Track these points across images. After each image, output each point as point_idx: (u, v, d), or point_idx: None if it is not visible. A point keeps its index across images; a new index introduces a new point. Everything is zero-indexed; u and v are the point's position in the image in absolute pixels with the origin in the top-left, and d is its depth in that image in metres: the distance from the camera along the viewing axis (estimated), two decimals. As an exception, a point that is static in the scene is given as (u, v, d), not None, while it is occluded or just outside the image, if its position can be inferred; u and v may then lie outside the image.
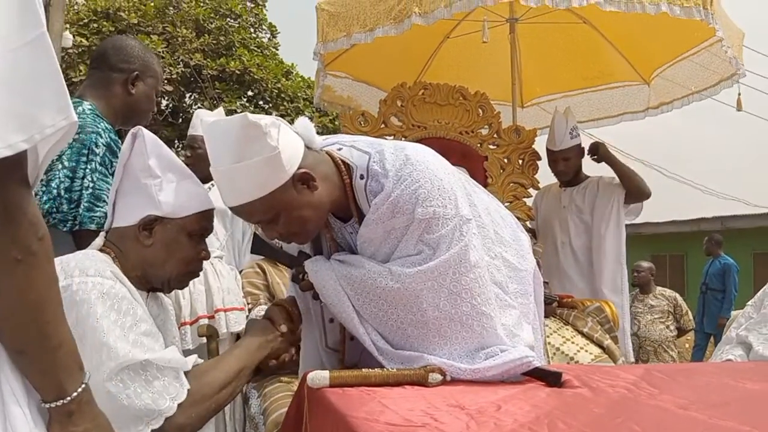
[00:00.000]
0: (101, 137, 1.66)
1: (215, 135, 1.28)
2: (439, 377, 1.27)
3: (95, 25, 9.86)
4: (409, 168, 1.35)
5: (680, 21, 2.75)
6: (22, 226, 0.74)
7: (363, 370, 1.28)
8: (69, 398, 0.83)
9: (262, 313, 2.29)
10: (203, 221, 1.35)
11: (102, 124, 1.71)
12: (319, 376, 1.23)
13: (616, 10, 2.46)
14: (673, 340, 5.17)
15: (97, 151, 1.63)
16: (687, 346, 7.38)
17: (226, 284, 2.27)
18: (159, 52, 9.65)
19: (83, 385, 0.85)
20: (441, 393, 1.18)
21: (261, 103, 10.74)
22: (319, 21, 2.84)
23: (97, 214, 1.64)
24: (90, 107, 1.73)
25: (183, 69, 10.00)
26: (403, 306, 1.34)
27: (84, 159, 1.64)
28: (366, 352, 1.42)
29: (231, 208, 1.31)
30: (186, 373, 1.19)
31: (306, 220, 1.35)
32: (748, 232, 12.29)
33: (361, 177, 1.38)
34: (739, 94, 3.24)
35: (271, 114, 10.58)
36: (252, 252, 1.57)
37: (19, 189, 0.75)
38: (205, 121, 1.30)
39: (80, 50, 9.66)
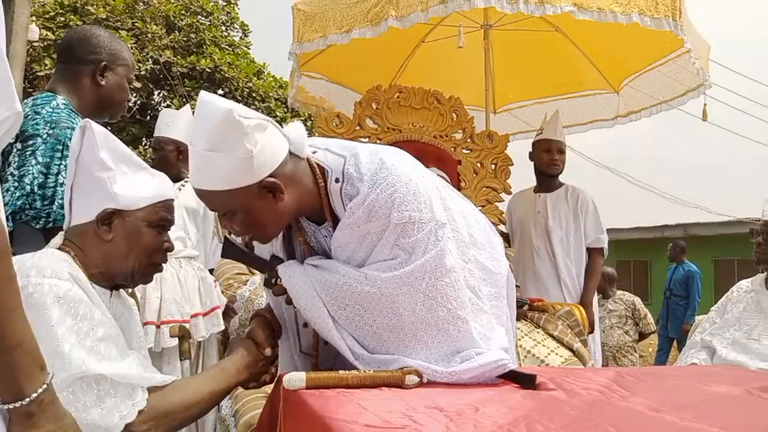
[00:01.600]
0: None
1: (201, 114, 1.26)
2: (416, 379, 1.27)
3: (62, 19, 9.65)
4: (384, 172, 1.35)
5: (650, 32, 2.82)
6: None
7: (340, 371, 1.27)
8: (28, 399, 0.80)
9: (246, 294, 2.27)
10: (162, 211, 1.33)
11: (77, 119, 1.67)
12: (296, 378, 1.22)
13: (589, 19, 2.51)
14: (633, 345, 5.19)
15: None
16: (650, 350, 7.53)
17: (185, 292, 2.20)
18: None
19: (44, 386, 0.83)
20: (418, 395, 1.18)
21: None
22: (295, 21, 2.82)
23: None
24: (64, 102, 1.69)
25: (152, 66, 9.85)
26: (379, 311, 1.33)
27: (58, 155, 1.60)
28: (340, 357, 1.41)
29: (194, 189, 1.30)
30: (152, 388, 1.17)
31: (263, 225, 1.34)
32: (709, 239, 12.63)
33: (336, 180, 1.37)
34: (705, 105, 3.33)
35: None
36: (222, 256, 1.54)
37: None
38: (201, 95, 1.28)
39: (46, 44, 9.43)
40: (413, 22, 2.48)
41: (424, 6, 2.43)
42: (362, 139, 3.11)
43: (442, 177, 2.89)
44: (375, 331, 1.34)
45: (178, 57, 10.11)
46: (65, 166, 1.58)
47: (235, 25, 11.82)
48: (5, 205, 1.51)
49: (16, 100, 0.74)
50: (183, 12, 10.63)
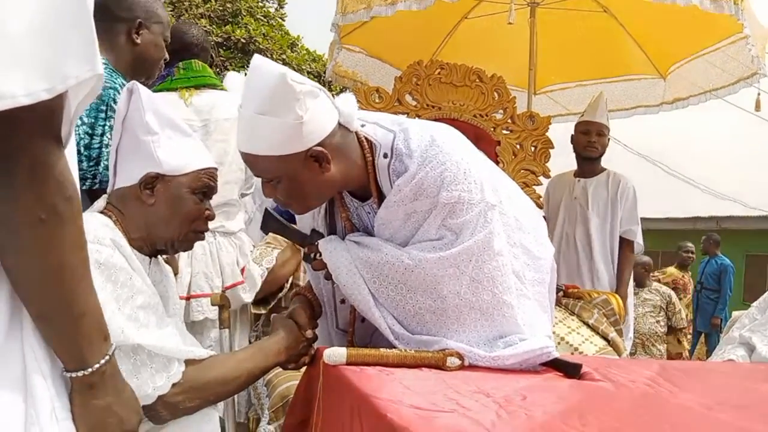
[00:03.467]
0: (119, 93, 1.60)
1: (253, 78, 1.23)
2: (457, 361, 1.25)
3: (100, -17, 9.68)
4: (435, 149, 1.32)
5: (703, 16, 2.70)
6: (48, 184, 0.70)
7: (381, 349, 1.25)
8: (91, 369, 0.79)
9: (273, 261, 2.26)
10: (205, 178, 1.31)
11: (119, 79, 1.65)
12: (337, 353, 1.21)
13: (646, -1, 2.41)
14: (662, 336, 5.18)
15: (116, 107, 1.58)
16: (684, 343, 7.43)
17: (215, 266, 2.18)
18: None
19: (107, 357, 0.81)
20: (461, 378, 1.16)
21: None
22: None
23: None
24: (104, 61, 1.67)
25: (188, 33, 9.84)
26: (422, 292, 1.31)
27: (102, 116, 1.59)
28: (377, 334, 1.39)
29: (240, 153, 1.27)
30: (189, 361, 1.16)
31: (306, 195, 1.32)
32: (741, 233, 12.35)
33: (385, 156, 1.34)
34: (759, 95, 3.20)
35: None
36: (262, 228, 1.52)
37: (48, 145, 0.70)
38: (254, 59, 1.26)
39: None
40: (462, -5, 2.42)
41: (474, -21, 2.36)
42: (401, 115, 3.06)
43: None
44: (417, 311, 1.32)
45: (214, 26, 10.08)
46: (110, 126, 1.57)
47: (272, -4, 11.73)
48: None
49: (99, 63, 0.71)
50: (220, -19, 10.58)
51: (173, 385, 1.12)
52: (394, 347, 1.33)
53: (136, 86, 1.26)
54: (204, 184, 1.30)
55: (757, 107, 3.19)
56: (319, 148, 1.26)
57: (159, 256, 1.33)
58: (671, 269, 6.44)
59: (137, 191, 1.23)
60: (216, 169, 1.35)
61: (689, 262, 6.42)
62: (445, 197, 1.29)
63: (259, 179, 1.37)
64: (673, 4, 2.50)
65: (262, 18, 11.13)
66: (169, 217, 1.25)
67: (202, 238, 1.35)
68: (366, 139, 1.35)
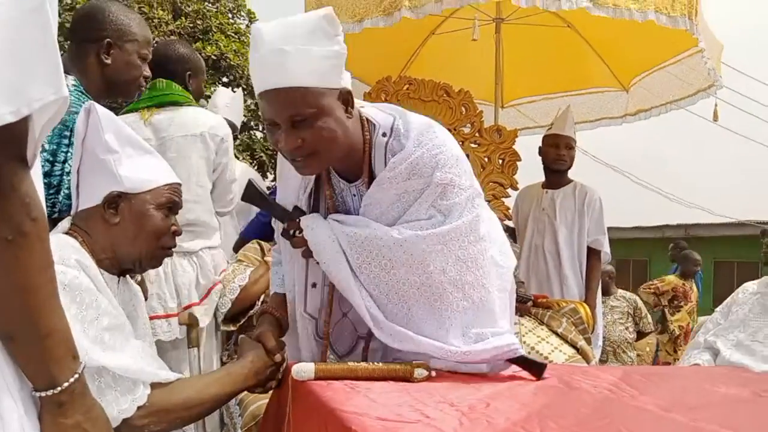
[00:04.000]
0: None
1: (294, 20, 1.24)
2: (424, 372, 1.27)
3: (68, 1, 9.60)
4: (431, 134, 1.36)
5: (662, 30, 2.79)
6: (13, 205, 0.71)
7: (349, 363, 1.27)
8: (60, 388, 0.79)
9: (245, 278, 2.24)
10: (169, 194, 1.32)
11: (87, 101, 1.65)
12: (305, 369, 1.22)
13: (604, 15, 2.49)
14: (632, 342, 5.26)
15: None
16: (648, 349, 7.54)
17: (170, 287, 2.13)
18: (134, 32, 9.46)
19: (76, 375, 0.81)
20: (427, 389, 1.18)
21: (237, 89, 10.60)
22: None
23: None
24: (74, 82, 1.64)
25: (158, 51, 9.80)
26: (408, 267, 1.32)
27: (66, 141, 1.56)
28: (340, 324, 1.43)
29: (268, 92, 1.22)
30: (155, 384, 1.15)
31: (333, 139, 1.28)
32: (710, 240, 12.62)
33: (384, 135, 1.36)
34: (716, 105, 3.31)
35: (246, 101, 10.44)
36: (242, 199, 1.48)
37: (14, 166, 0.71)
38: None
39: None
40: (427, 12, 2.46)
41: (438, -3, 2.41)
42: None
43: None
44: (400, 287, 1.33)
45: (184, 43, 10.07)
46: (72, 153, 1.56)
47: (242, 13, 11.74)
48: None
49: (63, 86, 0.72)
50: (190, -2, 10.58)
51: (138, 408, 1.11)
52: (365, 358, 1.34)
53: (93, 106, 1.26)
54: (168, 200, 1.30)
55: (715, 117, 3.30)
56: (349, 89, 1.28)
57: (128, 276, 1.32)
58: (670, 277, 6.49)
59: (101, 211, 1.23)
60: (180, 184, 1.35)
61: (694, 272, 6.48)
62: (439, 177, 1.32)
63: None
64: (632, 20, 2.58)
65: (233, 35, 11.13)
66: (135, 234, 1.25)
67: (171, 254, 1.35)
68: (366, 119, 1.37)
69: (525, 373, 1.33)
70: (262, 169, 9.51)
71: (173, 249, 1.35)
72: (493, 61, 3.64)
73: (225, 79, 10.53)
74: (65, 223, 1.27)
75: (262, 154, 9.71)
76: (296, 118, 1.24)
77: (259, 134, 10.03)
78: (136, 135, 1.30)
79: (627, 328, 5.19)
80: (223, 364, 2.23)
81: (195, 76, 2.30)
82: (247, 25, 11.86)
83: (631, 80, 3.92)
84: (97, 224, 1.23)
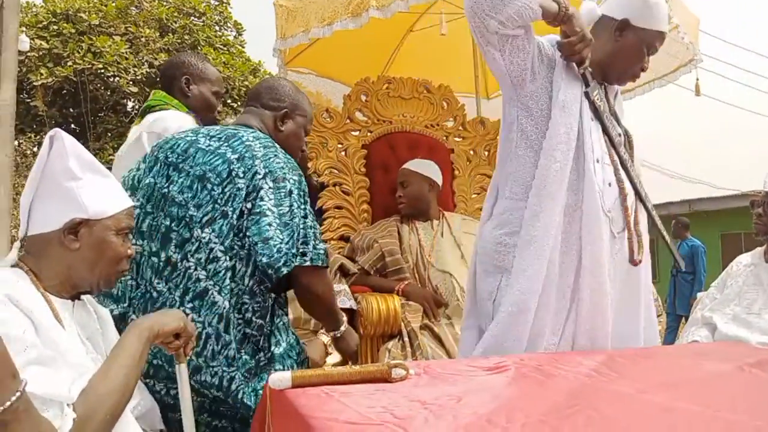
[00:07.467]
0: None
1: None
2: (402, 372, 1.27)
3: (55, 27, 9.66)
4: None
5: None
6: None
7: (325, 369, 1.27)
8: (2, 408, 0.80)
9: None
10: (128, 219, 1.32)
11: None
12: (281, 378, 1.22)
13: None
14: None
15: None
16: (660, 329, 7.52)
17: None
18: (122, 53, 9.50)
19: (18, 393, 0.82)
20: (402, 389, 1.18)
21: (229, 101, 10.65)
22: (278, 17, 2.81)
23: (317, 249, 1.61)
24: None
25: (148, 69, 9.84)
26: None
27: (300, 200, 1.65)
28: None
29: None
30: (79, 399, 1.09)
31: None
32: (715, 214, 12.56)
33: None
34: (698, 79, 3.29)
35: (239, 112, 10.48)
36: None
37: None
38: None
39: (41, 53, 9.45)
40: (394, 11, 2.46)
41: (405, -6, 2.42)
42: (353, 133, 3.10)
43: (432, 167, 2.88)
44: None
45: (173, 59, 10.10)
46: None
47: (229, 25, 11.79)
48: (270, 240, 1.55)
49: None
50: (176, 14, 10.62)
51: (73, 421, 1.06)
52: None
53: (59, 133, 1.27)
54: (127, 225, 1.31)
55: (697, 92, 3.28)
56: None
57: (84, 298, 1.32)
58: None
59: (60, 237, 1.23)
60: (134, 206, 1.36)
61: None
62: None
63: None
64: None
65: (222, 47, 11.17)
66: (95, 260, 1.26)
67: (125, 275, 1.36)
68: None
69: (504, 365, 1.33)
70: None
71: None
72: (472, 53, 3.63)
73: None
74: (12, 253, 1.25)
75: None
76: None
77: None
78: (94, 158, 1.30)
79: None
80: None
81: (195, 83, 2.30)
82: (235, 36, 11.89)
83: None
84: (52, 250, 1.23)
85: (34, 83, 9.33)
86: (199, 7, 10.95)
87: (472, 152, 3.23)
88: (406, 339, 2.44)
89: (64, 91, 10.09)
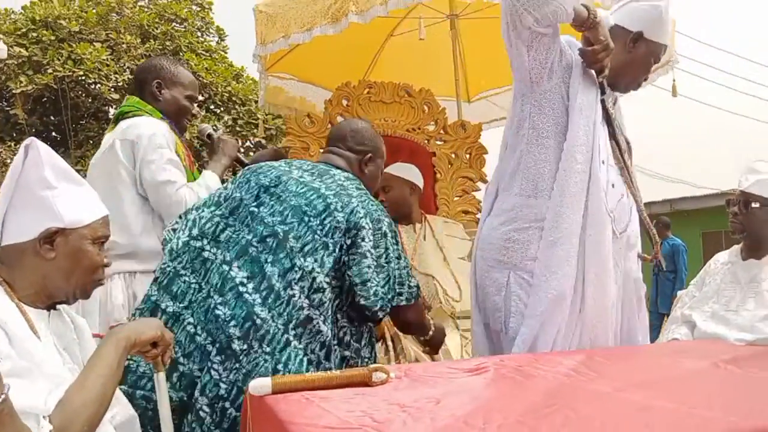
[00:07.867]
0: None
1: None
2: (382, 376, 1.27)
3: (34, 35, 9.55)
4: None
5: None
6: None
7: (305, 374, 1.27)
8: None
9: None
10: (103, 228, 1.31)
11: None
12: (261, 384, 1.21)
13: None
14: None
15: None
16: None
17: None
18: (103, 60, 9.42)
19: (2, 397, 0.82)
20: (382, 393, 1.18)
21: (212, 107, 10.59)
22: (258, 23, 2.80)
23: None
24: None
25: (129, 76, 9.76)
26: None
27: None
28: None
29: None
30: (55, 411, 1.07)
31: None
32: (695, 213, 12.69)
33: None
34: (674, 80, 3.33)
35: (222, 118, 10.41)
36: None
37: None
38: None
39: (20, 61, 9.34)
40: (373, 16, 2.47)
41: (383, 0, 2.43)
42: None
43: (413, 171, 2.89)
44: None
45: (155, 66, 10.03)
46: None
47: (211, 30, 11.72)
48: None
49: None
50: (157, 20, 10.55)
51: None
52: None
53: (34, 142, 1.26)
54: (103, 234, 1.30)
55: (674, 93, 3.32)
56: None
57: (60, 308, 1.31)
58: None
59: (35, 246, 1.22)
60: (108, 215, 1.34)
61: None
62: None
63: None
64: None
65: (204, 53, 11.10)
66: (71, 270, 1.25)
67: (102, 284, 1.35)
68: None
69: (484, 366, 1.34)
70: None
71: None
72: (451, 57, 3.65)
73: (200, 98, 10.51)
74: None
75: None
76: None
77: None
78: (69, 167, 1.30)
79: None
80: None
81: (167, 86, 2.22)
82: (218, 42, 11.84)
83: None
84: (27, 259, 1.22)
85: (14, 91, 9.22)
86: (181, 13, 10.88)
87: (453, 155, 3.24)
88: (389, 343, 2.44)
89: (45, 99, 9.98)
